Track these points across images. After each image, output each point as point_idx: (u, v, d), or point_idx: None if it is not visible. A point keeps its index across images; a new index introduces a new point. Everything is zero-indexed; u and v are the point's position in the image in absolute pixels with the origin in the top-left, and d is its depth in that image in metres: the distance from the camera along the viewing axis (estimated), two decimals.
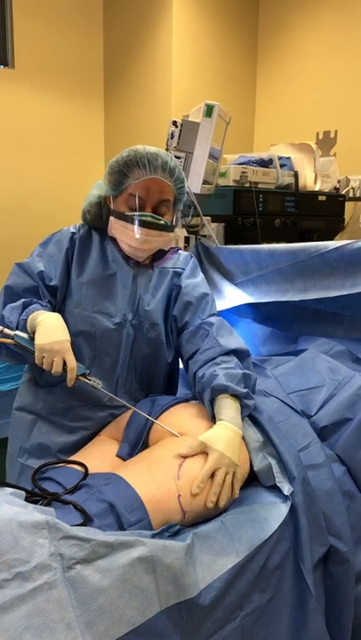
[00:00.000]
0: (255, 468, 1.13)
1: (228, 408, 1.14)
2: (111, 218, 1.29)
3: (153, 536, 0.87)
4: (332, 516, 1.09)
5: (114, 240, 1.34)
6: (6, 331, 1.16)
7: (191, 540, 0.87)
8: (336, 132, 3.56)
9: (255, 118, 4.24)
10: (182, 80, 3.67)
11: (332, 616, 1.04)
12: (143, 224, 1.24)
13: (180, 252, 1.45)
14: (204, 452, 1.06)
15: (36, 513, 0.78)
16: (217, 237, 2.22)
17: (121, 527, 0.91)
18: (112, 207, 1.29)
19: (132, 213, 1.24)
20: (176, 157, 1.99)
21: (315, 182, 2.79)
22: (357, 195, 3.07)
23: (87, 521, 0.89)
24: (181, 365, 1.46)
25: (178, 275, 1.39)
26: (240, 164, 2.52)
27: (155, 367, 1.39)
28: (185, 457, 1.05)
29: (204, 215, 2.15)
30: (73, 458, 1.21)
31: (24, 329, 1.19)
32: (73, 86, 3.92)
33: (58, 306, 1.32)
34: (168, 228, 1.29)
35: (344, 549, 1.06)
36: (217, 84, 3.89)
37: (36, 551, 0.73)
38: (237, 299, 1.99)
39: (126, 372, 1.35)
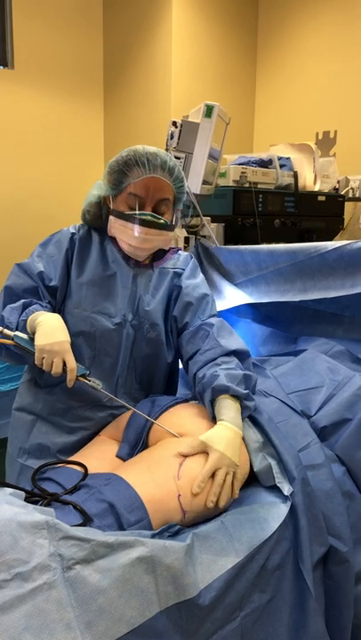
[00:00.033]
0: (255, 469, 1.13)
1: (229, 408, 1.14)
2: (111, 217, 1.29)
3: (153, 536, 0.87)
4: (331, 517, 1.09)
5: (114, 240, 1.34)
6: (6, 331, 1.16)
7: (191, 540, 0.87)
8: (336, 132, 3.56)
9: (255, 118, 4.25)
10: (182, 80, 3.67)
11: (331, 616, 1.04)
12: (143, 223, 1.24)
13: (179, 252, 1.45)
14: (204, 451, 1.06)
15: (35, 513, 0.78)
16: (217, 238, 2.22)
17: (121, 527, 0.91)
18: (112, 207, 1.29)
19: (132, 212, 1.24)
20: (176, 158, 1.99)
21: (314, 182, 2.79)
22: (357, 195, 3.08)
23: (87, 521, 0.89)
24: (181, 366, 1.46)
25: (178, 275, 1.39)
26: (240, 164, 2.52)
27: (155, 367, 1.39)
28: (185, 456, 1.05)
29: (204, 215, 2.15)
30: (73, 458, 1.21)
31: (24, 330, 1.19)
32: (73, 86, 3.92)
33: (58, 306, 1.32)
34: (168, 227, 1.29)
35: (344, 550, 1.06)
36: (216, 85, 3.89)
37: (35, 551, 0.73)
38: (237, 299, 1.99)
39: (126, 373, 1.35)
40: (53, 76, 3.80)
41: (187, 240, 2.15)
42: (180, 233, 2.12)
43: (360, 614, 1.09)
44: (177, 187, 1.29)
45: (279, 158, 2.66)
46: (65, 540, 0.76)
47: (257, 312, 2.02)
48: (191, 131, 2.07)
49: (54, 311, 1.28)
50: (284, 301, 1.87)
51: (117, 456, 1.22)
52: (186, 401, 1.29)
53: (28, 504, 0.83)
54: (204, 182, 2.13)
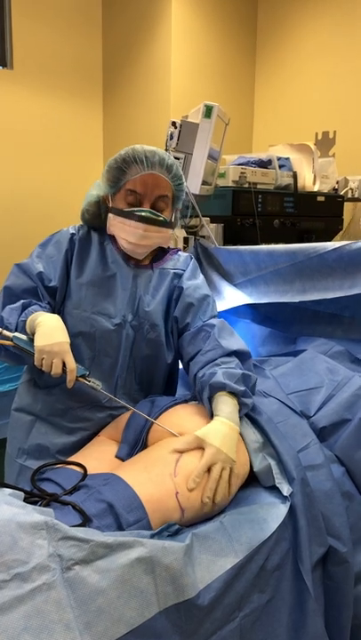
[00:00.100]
0: (255, 469, 1.13)
1: (226, 404, 1.14)
2: (110, 215, 1.29)
3: (152, 536, 0.87)
4: (331, 517, 1.09)
5: (113, 241, 1.34)
6: (5, 332, 1.16)
7: (190, 541, 0.87)
8: (335, 132, 3.56)
9: (254, 119, 4.25)
10: (181, 80, 3.67)
11: (331, 617, 1.04)
12: (142, 219, 1.24)
13: (179, 252, 1.45)
14: (200, 447, 1.06)
15: (34, 514, 0.78)
16: (216, 238, 2.22)
17: (120, 527, 0.91)
18: (110, 205, 1.29)
19: (131, 209, 1.25)
20: (175, 158, 1.99)
21: (314, 183, 2.79)
22: (356, 195, 3.08)
23: (86, 521, 0.89)
24: (181, 366, 1.46)
25: (178, 276, 1.39)
26: (239, 164, 2.52)
27: (154, 368, 1.39)
28: (181, 452, 1.05)
29: (203, 216, 2.15)
30: (72, 459, 1.21)
31: (23, 330, 1.19)
32: (72, 86, 3.92)
33: (57, 307, 1.32)
34: (167, 225, 1.29)
35: (343, 550, 1.06)
36: (216, 85, 3.90)
37: (34, 552, 0.73)
38: (236, 299, 1.99)
39: (126, 373, 1.35)
40: (53, 76, 3.80)
41: (186, 240, 2.15)
42: (180, 233, 2.12)
43: (359, 614, 1.09)
44: (175, 184, 1.29)
45: (278, 159, 2.66)
46: (64, 540, 0.76)
47: (256, 312, 2.02)
48: (190, 131, 2.07)
49: (54, 312, 1.28)
50: (284, 302, 1.87)
51: (117, 456, 1.22)
52: (185, 401, 1.29)
53: (28, 504, 0.83)
54: (204, 183, 2.13)
